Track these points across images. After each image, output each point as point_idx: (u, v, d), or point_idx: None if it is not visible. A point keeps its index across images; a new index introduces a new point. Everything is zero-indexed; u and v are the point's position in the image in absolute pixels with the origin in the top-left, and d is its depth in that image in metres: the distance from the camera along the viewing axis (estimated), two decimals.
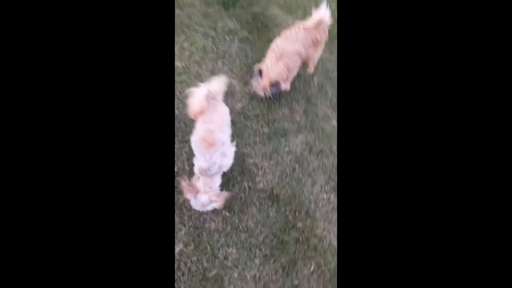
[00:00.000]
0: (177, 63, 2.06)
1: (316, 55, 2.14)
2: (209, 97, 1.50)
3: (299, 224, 1.76)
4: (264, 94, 1.97)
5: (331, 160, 2.05)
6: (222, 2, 2.45)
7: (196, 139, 1.48)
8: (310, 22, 1.97)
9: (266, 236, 1.66)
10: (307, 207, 1.82)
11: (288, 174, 1.90)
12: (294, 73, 2.04)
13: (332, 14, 1.98)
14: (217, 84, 1.59)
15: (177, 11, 2.26)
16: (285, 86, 2.05)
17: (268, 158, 1.93)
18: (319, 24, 1.94)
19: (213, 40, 2.26)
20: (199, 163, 1.46)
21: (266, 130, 2.02)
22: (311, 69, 2.32)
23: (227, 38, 2.32)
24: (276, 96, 2.03)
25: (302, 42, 1.91)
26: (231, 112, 1.84)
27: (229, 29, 2.35)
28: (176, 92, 1.92)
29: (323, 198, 1.90)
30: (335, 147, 2.11)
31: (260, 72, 1.88)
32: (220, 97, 1.64)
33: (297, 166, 1.95)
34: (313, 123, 2.17)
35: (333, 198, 1.91)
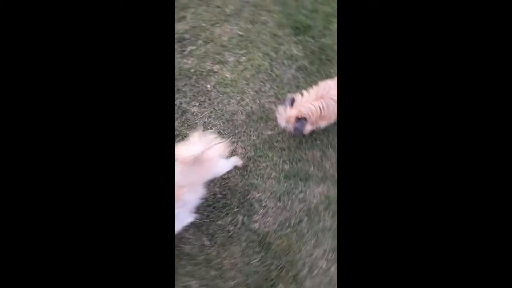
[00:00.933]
0: (227, 74, 2.08)
1: None
2: (197, 158, 1.34)
3: (280, 286, 1.50)
4: (286, 126, 1.76)
5: None
6: (295, 27, 2.39)
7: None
8: None
9: (237, 285, 1.46)
10: (297, 270, 1.55)
11: (291, 224, 1.67)
12: (325, 120, 1.80)
13: None
14: (217, 147, 1.44)
15: (249, 25, 2.29)
16: (310, 127, 1.82)
17: (276, 199, 1.74)
18: None
19: (270, 61, 2.21)
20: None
21: (286, 167, 1.83)
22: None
23: (285, 63, 2.24)
24: (297, 133, 1.79)
25: None
26: (258, 136, 1.74)
27: (291, 54, 2.27)
28: (215, 102, 1.93)
29: (321, 267, 1.59)
30: None
31: (292, 101, 1.71)
32: (211, 157, 1.45)
33: (305, 219, 1.70)
34: None
35: (333, 270, 1.58)
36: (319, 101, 1.66)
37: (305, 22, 2.33)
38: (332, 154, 1.93)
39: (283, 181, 1.79)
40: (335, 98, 1.66)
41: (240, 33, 2.22)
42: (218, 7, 2.29)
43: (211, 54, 2.09)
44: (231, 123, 1.95)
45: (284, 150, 1.89)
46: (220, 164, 1.50)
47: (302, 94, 1.73)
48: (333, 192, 1.80)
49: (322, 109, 1.66)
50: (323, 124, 1.83)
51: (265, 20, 2.34)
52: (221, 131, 1.92)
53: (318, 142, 1.95)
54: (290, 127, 1.75)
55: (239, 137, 1.91)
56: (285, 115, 1.72)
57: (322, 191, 1.80)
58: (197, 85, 1.98)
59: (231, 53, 2.14)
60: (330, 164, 1.90)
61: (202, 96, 1.98)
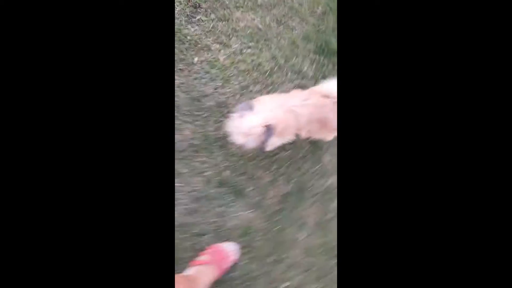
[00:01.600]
0: (221, 57, 1.91)
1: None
2: None
3: None
4: (245, 142, 1.42)
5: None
6: (320, 46, 2.15)
7: None
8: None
9: None
10: None
11: None
12: (287, 134, 1.51)
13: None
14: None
15: (273, 23, 2.10)
16: (275, 140, 1.51)
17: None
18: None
19: (274, 66, 2.00)
20: None
21: (228, 172, 1.57)
22: None
23: (288, 75, 2.00)
24: (266, 142, 1.42)
25: (307, 108, 1.43)
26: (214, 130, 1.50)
27: (299, 69, 2.03)
28: (193, 75, 1.77)
29: None
30: None
31: (251, 107, 1.40)
32: None
33: None
34: None
35: None
36: (287, 111, 1.39)
37: (333, 47, 2.09)
38: None
39: (215, 186, 1.53)
40: (299, 110, 1.39)
41: (260, 26, 2.05)
42: None
43: (218, 32, 1.95)
44: (196, 102, 1.76)
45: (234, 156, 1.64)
46: None
47: (259, 101, 1.44)
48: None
49: (283, 121, 1.38)
50: (278, 142, 1.54)
51: (293, 26, 2.15)
52: (181, 106, 1.74)
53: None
54: (252, 141, 1.39)
55: (194, 121, 1.71)
56: (244, 126, 1.36)
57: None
58: (184, 53, 1.84)
59: (239, 40, 1.97)
60: None
61: (183, 65, 1.83)
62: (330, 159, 1.95)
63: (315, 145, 1.92)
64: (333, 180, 1.92)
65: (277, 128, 1.36)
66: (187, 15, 1.96)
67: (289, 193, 1.84)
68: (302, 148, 1.90)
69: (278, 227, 1.80)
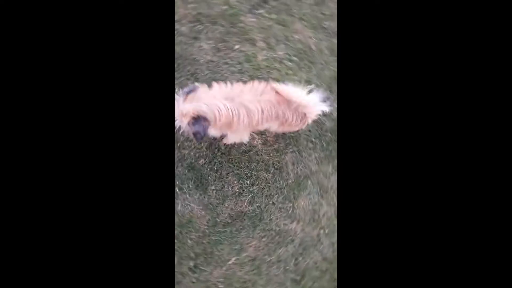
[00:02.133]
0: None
1: (277, 129, 1.54)
2: None
3: None
4: (180, 125, 1.30)
5: None
6: None
7: None
8: (285, 91, 1.34)
9: None
10: None
11: None
12: (236, 133, 1.47)
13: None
14: None
15: (312, 32, 2.02)
16: (215, 132, 1.43)
17: None
18: (295, 103, 1.36)
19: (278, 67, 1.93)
20: None
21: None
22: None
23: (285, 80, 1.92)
24: (198, 138, 1.32)
25: (261, 104, 1.33)
26: None
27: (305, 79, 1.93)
28: None
29: None
30: None
31: (190, 91, 1.29)
32: None
33: None
34: None
35: None
36: (227, 101, 1.28)
37: None
38: None
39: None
40: (250, 106, 1.31)
41: (313, 47, 1.99)
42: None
43: (271, 33, 1.93)
44: None
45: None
46: None
47: (210, 86, 1.34)
48: None
49: (233, 115, 1.29)
50: (232, 138, 1.48)
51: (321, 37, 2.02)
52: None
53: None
54: (187, 128, 1.29)
55: None
56: (178, 109, 1.25)
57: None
58: (229, 37, 1.85)
59: (286, 49, 1.94)
60: None
61: (222, 47, 1.83)
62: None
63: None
64: None
65: (215, 121, 1.27)
66: (253, 4, 1.97)
67: None
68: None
69: None
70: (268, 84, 1.40)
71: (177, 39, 1.85)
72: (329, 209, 1.84)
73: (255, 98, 1.34)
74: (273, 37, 1.94)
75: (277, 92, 1.38)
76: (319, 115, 1.54)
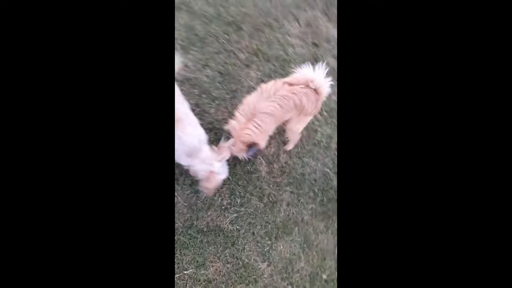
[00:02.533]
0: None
1: (296, 125, 1.69)
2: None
3: None
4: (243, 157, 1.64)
5: None
6: None
7: None
8: (295, 79, 1.51)
9: None
10: None
11: None
12: (269, 132, 1.60)
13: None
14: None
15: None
16: (262, 144, 1.61)
17: None
18: (306, 84, 1.48)
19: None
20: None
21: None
22: (288, 146, 1.91)
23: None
24: (255, 156, 1.68)
25: (277, 101, 1.45)
26: None
27: None
28: None
29: None
30: None
31: (229, 134, 1.55)
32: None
33: None
34: None
35: None
36: (251, 122, 1.47)
37: None
38: None
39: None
40: (268, 110, 1.46)
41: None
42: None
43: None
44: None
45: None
46: None
47: (232, 123, 1.53)
48: None
49: (259, 129, 1.48)
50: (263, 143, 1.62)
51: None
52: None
53: None
54: (244, 155, 1.63)
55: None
56: (236, 150, 1.55)
57: None
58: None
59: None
60: None
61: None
62: None
63: None
64: None
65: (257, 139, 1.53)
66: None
67: None
68: None
69: None
70: (276, 82, 1.52)
71: None
72: (306, 267, 1.70)
73: (269, 100, 1.46)
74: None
75: (288, 84, 1.49)
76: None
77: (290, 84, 1.49)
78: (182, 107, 1.44)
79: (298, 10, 2.52)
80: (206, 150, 1.47)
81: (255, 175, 1.81)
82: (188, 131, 1.40)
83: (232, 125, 1.51)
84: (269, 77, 2.13)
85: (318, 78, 1.50)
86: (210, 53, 2.11)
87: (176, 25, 2.13)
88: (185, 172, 1.68)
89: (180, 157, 1.45)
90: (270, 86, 1.50)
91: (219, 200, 1.72)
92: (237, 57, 2.15)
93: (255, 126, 1.46)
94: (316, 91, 1.51)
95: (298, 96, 1.47)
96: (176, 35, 2.09)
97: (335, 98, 2.17)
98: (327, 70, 1.52)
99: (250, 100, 1.50)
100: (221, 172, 1.51)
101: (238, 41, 2.22)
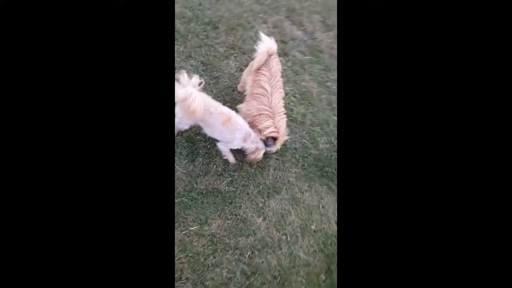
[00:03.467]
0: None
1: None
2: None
3: None
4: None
5: None
6: None
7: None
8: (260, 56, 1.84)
9: None
10: None
11: None
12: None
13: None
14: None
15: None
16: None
17: None
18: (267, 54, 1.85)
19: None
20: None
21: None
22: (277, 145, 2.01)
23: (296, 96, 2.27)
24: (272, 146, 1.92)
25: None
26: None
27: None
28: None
29: None
30: None
31: (275, 139, 1.86)
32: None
33: None
34: None
35: None
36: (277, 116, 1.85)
37: None
38: None
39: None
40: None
41: (313, 88, 2.50)
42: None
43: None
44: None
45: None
46: None
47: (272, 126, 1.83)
48: None
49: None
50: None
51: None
52: None
53: None
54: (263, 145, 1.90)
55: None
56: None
57: None
58: None
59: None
60: None
61: None
62: None
63: None
64: None
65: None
66: None
67: None
68: None
69: None
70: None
71: None
72: (296, 219, 1.92)
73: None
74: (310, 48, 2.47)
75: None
76: None
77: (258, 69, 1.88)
78: (225, 109, 1.73)
79: (265, 14, 2.94)
80: (253, 133, 1.79)
81: None
82: (241, 122, 1.74)
83: (275, 128, 1.84)
84: (246, 66, 2.44)
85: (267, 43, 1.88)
86: (192, 47, 2.37)
87: None
88: (181, 144, 1.85)
89: (234, 144, 1.79)
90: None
91: (214, 167, 1.90)
92: (216, 50, 2.44)
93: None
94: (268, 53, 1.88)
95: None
96: None
97: (305, 84, 2.54)
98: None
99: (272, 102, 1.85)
100: (262, 147, 1.84)
101: (216, 37, 2.52)
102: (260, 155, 1.85)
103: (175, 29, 2.40)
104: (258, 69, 1.87)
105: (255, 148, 1.80)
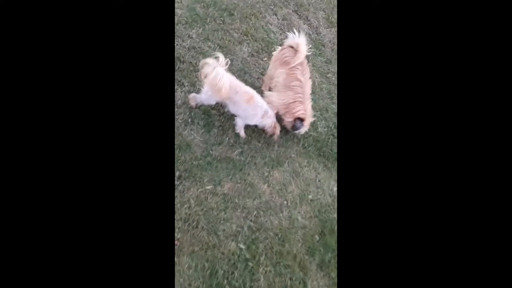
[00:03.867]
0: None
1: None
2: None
3: None
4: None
5: None
6: None
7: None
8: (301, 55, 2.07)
9: None
10: None
11: None
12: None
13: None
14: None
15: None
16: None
17: None
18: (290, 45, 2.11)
19: None
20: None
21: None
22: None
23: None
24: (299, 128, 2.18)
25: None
26: None
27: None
28: None
29: None
30: None
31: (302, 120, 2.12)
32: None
33: None
34: None
35: None
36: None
37: None
38: None
39: None
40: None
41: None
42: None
43: None
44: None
45: None
46: None
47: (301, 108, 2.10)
48: None
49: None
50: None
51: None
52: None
53: None
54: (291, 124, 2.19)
55: None
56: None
57: None
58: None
59: None
60: None
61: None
62: None
63: None
64: None
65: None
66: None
67: None
68: None
69: None
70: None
71: None
72: (295, 189, 2.19)
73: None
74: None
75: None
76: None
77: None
78: (248, 88, 1.98)
79: (275, 7, 3.16)
80: (270, 110, 2.06)
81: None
82: (261, 101, 2.02)
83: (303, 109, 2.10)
84: (257, 52, 2.67)
85: (297, 40, 2.11)
86: (210, 30, 2.57)
87: (179, 5, 2.55)
88: (199, 115, 2.07)
89: (254, 120, 2.06)
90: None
91: (227, 139, 2.13)
92: (231, 35, 2.65)
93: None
94: (295, 49, 2.10)
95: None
96: (180, 13, 2.51)
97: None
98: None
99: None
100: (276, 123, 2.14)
101: (231, 23, 2.73)
102: (278, 129, 2.12)
103: (196, 13, 2.59)
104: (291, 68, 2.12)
105: (273, 123, 2.06)
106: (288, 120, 2.16)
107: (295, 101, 2.10)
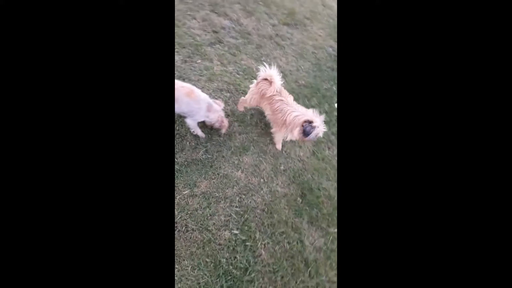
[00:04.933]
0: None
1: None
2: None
3: None
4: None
5: None
6: None
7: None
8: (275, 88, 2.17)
9: None
10: None
11: None
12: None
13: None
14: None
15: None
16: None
17: None
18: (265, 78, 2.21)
19: None
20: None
21: None
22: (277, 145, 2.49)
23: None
24: (309, 132, 2.08)
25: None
26: None
27: None
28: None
29: None
30: None
31: (311, 123, 2.07)
32: None
33: None
34: None
35: None
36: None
37: None
38: None
39: None
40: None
41: (285, 65, 2.93)
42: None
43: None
44: None
45: None
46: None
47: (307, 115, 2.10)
48: None
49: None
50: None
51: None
52: None
53: None
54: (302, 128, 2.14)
55: None
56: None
57: None
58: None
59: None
60: None
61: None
62: None
63: None
64: None
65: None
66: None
67: None
68: None
69: None
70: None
71: None
72: (267, 166, 2.33)
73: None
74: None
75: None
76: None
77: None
78: (184, 83, 2.01)
79: (192, 12, 3.27)
80: (214, 104, 2.10)
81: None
82: (201, 95, 2.04)
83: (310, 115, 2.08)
84: (189, 57, 2.76)
85: (269, 72, 2.20)
86: None
87: None
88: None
89: (200, 115, 2.07)
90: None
91: (187, 143, 2.20)
92: None
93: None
94: (269, 80, 2.19)
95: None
96: None
97: (244, 62, 2.95)
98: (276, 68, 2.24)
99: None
100: (223, 114, 2.19)
101: None
102: (226, 121, 2.19)
103: None
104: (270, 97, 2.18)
105: (220, 117, 2.13)
106: (299, 133, 2.09)
107: (286, 114, 2.13)
